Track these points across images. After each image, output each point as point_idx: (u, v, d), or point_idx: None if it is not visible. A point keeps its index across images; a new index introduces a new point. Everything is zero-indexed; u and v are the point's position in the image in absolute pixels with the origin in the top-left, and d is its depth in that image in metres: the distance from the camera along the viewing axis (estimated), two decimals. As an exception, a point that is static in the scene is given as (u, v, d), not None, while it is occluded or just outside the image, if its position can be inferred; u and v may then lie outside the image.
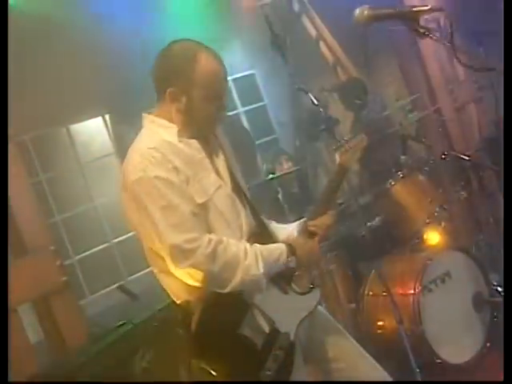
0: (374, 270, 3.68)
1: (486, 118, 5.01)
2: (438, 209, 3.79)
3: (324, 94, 5.47)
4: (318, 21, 5.74)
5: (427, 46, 4.94)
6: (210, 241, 2.07)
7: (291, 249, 2.24)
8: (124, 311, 3.48)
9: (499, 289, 3.77)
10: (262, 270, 2.13)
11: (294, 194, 4.39)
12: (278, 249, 2.22)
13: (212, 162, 2.27)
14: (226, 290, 2.10)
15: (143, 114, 2.28)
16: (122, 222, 5.26)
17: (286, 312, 2.22)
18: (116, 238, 5.34)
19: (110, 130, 5.49)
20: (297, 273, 2.31)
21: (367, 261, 3.83)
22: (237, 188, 2.32)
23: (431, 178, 3.94)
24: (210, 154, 2.29)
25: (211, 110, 2.21)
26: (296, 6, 5.76)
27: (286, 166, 4.47)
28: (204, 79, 2.16)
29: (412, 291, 3.44)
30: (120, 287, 2.66)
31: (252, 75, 6.43)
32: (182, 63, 2.17)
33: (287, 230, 2.46)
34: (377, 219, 4.01)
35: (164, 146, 2.13)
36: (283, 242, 2.29)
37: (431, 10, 1.78)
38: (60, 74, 4.59)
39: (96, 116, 5.45)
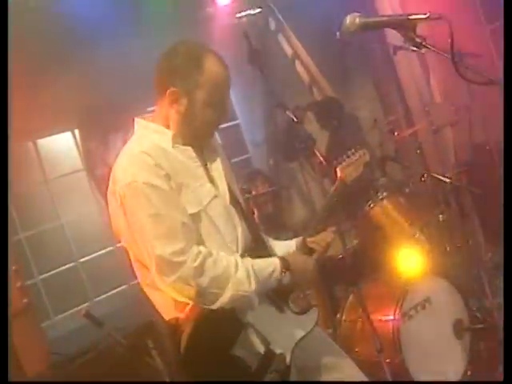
0: (351, 295, 3.57)
1: (462, 142, 4.98)
2: (417, 232, 3.71)
3: (299, 112, 5.40)
4: (294, 39, 5.68)
5: (403, 66, 4.92)
6: (198, 253, 1.97)
7: (285, 264, 2.13)
8: (89, 334, 3.29)
9: (478, 315, 3.71)
10: (253, 286, 2.02)
11: (269, 215, 4.27)
12: (271, 264, 2.11)
13: (207, 172, 2.17)
14: (215, 307, 1.98)
15: (136, 119, 2.19)
16: (88, 242, 5.10)
17: (282, 332, 2.11)
18: (82, 257, 5.14)
19: (80, 146, 5.31)
20: (294, 291, 2.21)
21: (345, 284, 3.72)
22: (234, 200, 2.21)
23: (411, 200, 3.87)
24: (205, 162, 2.20)
25: (212, 116, 2.12)
26: (272, 25, 5.70)
27: (262, 187, 4.36)
28: (210, 82, 2.07)
29: (392, 317, 3.33)
30: (85, 314, 2.50)
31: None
32: (188, 64, 2.08)
33: (286, 247, 2.35)
34: (355, 242, 3.90)
35: (156, 151, 2.04)
36: (278, 257, 2.18)
37: (429, 19, 1.67)
38: (32, 86, 4.43)
39: (65, 131, 5.28)
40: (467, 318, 3.55)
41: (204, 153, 2.22)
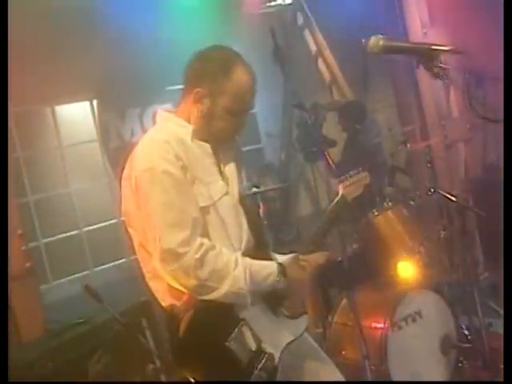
0: (345, 298, 3.63)
1: (474, 160, 5.01)
2: (417, 245, 3.76)
3: (319, 110, 5.43)
4: (319, 37, 5.70)
5: (424, 78, 4.94)
6: (201, 245, 2.04)
7: (282, 269, 2.20)
8: (86, 302, 3.37)
9: (466, 333, 3.76)
10: (248, 286, 2.09)
11: (274, 211, 4.33)
12: (268, 267, 2.18)
13: (221, 170, 2.26)
14: (207, 297, 2.06)
15: (158, 111, 2.28)
16: (94, 212, 5.16)
17: (273, 333, 2.19)
18: (86, 226, 5.21)
19: (96, 117, 5.36)
20: (287, 297, 2.27)
21: (340, 287, 3.78)
22: (242, 201, 2.30)
23: (415, 213, 3.92)
24: (221, 161, 2.28)
25: (230, 123, 2.20)
26: (300, 20, 5.72)
27: (272, 182, 4.41)
28: (235, 91, 2.15)
29: (381, 325, 3.40)
30: (86, 288, 2.57)
31: (247, 82, 6.35)
32: (217, 69, 2.16)
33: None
34: (355, 247, 3.96)
35: (177, 142, 2.12)
36: (277, 262, 2.25)
37: (451, 52, 1.72)
38: (54, 53, 4.48)
39: (83, 100, 5.32)
40: (455, 335, 3.62)
41: (221, 152, 2.29)
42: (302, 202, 5.94)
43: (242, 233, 2.23)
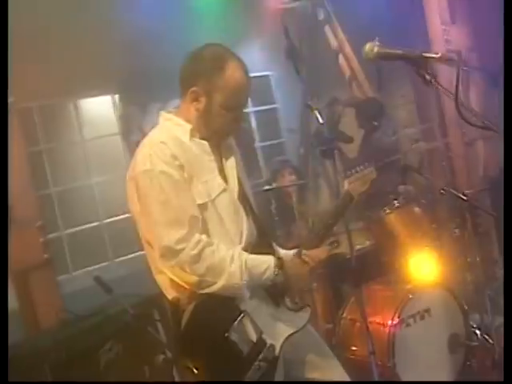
0: (354, 295, 3.66)
1: (493, 158, 4.97)
2: (428, 243, 3.77)
3: (337, 106, 5.44)
4: (340, 32, 5.69)
5: (444, 76, 4.91)
6: (198, 242, 2.11)
7: (280, 263, 2.25)
8: (101, 295, 3.47)
9: (477, 332, 3.76)
10: (244, 281, 2.15)
11: (288, 207, 4.35)
12: (265, 262, 2.23)
13: (220, 166, 2.31)
14: (205, 291, 2.13)
15: (161, 112, 2.36)
16: (115, 204, 5.25)
17: (274, 325, 2.25)
18: (107, 218, 5.31)
19: (118, 111, 5.45)
20: (286, 291, 2.31)
21: (350, 283, 3.80)
22: (243, 196, 2.35)
23: (427, 212, 3.92)
24: (220, 157, 2.33)
25: (227, 119, 2.26)
26: (321, 15, 5.72)
27: (289, 179, 4.44)
28: (228, 87, 2.21)
29: (390, 322, 3.42)
30: (96, 279, 2.65)
31: (267, 77, 6.38)
32: (210, 66, 2.21)
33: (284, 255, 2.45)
34: (367, 243, 3.98)
35: (174, 142, 2.19)
36: (276, 255, 2.30)
37: (441, 59, 1.75)
38: (78, 47, 4.57)
39: (106, 94, 5.41)
40: (464, 334, 3.62)
41: (220, 149, 2.34)
42: (320, 198, 5.97)
43: (243, 228, 2.27)
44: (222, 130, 2.30)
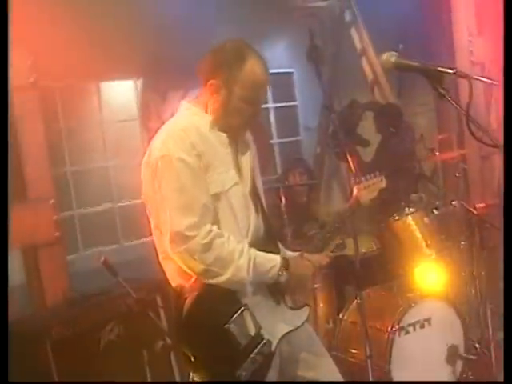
0: (357, 298, 3.68)
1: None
2: (434, 254, 3.78)
3: (357, 108, 5.44)
4: (365, 35, 5.70)
5: (465, 86, 4.90)
6: (209, 232, 2.14)
7: (286, 263, 2.28)
8: (107, 277, 3.52)
9: (477, 345, 3.77)
10: (250, 276, 2.18)
11: (298, 206, 4.37)
12: (272, 260, 2.26)
13: (235, 160, 2.34)
14: (210, 281, 2.16)
15: (182, 101, 2.39)
16: (128, 188, 5.30)
17: (273, 321, 2.28)
18: (120, 202, 5.37)
19: (139, 96, 5.49)
20: (288, 290, 2.34)
21: (354, 286, 3.82)
22: (254, 192, 2.38)
23: (436, 222, 3.92)
24: (236, 151, 2.36)
25: (245, 113, 2.29)
26: (348, 16, 5.73)
27: (300, 178, 4.46)
28: (247, 81, 2.24)
29: (389, 328, 3.44)
30: (104, 262, 2.69)
31: (290, 73, 6.39)
32: (231, 60, 2.25)
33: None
34: (373, 248, 4.00)
35: (193, 131, 2.22)
36: (282, 255, 2.32)
37: (455, 75, 1.77)
38: (104, 30, 4.61)
39: (128, 78, 5.46)
40: (463, 346, 3.63)
41: (237, 144, 2.37)
42: (333, 198, 5.99)
43: (250, 222, 2.30)
44: (240, 124, 2.32)
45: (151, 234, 2.37)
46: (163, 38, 4.76)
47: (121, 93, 5.48)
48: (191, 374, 2.25)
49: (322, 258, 2.42)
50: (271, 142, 6.15)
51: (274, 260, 2.26)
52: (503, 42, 2.11)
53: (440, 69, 1.78)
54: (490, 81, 3.33)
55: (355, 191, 2.64)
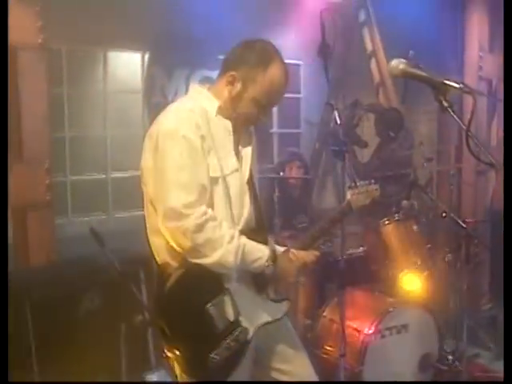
0: (337, 296, 3.70)
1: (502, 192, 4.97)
2: (420, 262, 3.81)
3: (359, 110, 5.44)
4: (376, 37, 5.67)
5: (469, 100, 4.92)
6: (204, 213, 2.16)
7: (273, 256, 2.30)
8: (94, 245, 3.52)
9: (450, 357, 3.81)
10: (237, 263, 2.20)
11: (291, 198, 4.38)
12: (260, 251, 2.28)
13: (237, 148, 2.37)
14: (196, 261, 2.17)
15: (193, 85, 2.45)
16: (124, 160, 5.28)
17: (252, 310, 2.30)
18: (114, 172, 5.36)
19: (145, 70, 5.47)
20: (271, 283, 2.36)
21: (336, 284, 3.84)
22: (250, 182, 2.40)
23: (424, 231, 3.96)
24: (239, 141, 2.38)
25: (254, 112, 2.32)
26: (362, 16, 5.71)
27: (295, 172, 4.47)
28: (265, 85, 2.28)
29: (366, 330, 3.48)
30: (91, 230, 2.70)
31: (297, 66, 6.37)
32: (255, 61, 2.28)
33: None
34: (360, 249, 4.02)
35: (201, 114, 2.25)
36: (271, 248, 2.34)
37: (461, 90, 1.78)
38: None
39: (136, 50, 5.42)
40: (437, 356, 3.67)
41: (240, 133, 2.39)
42: (326, 195, 6.00)
43: (243, 211, 2.32)
44: (245, 119, 2.36)
45: (142, 208, 2.38)
46: (175, 15, 4.74)
47: (127, 64, 5.44)
48: (165, 350, 2.27)
49: (306, 256, 2.43)
50: (271, 131, 6.14)
51: (263, 251, 2.28)
52: (504, 58, 2.11)
53: (446, 82, 1.79)
54: (493, 97, 3.35)
55: (349, 195, 2.65)
